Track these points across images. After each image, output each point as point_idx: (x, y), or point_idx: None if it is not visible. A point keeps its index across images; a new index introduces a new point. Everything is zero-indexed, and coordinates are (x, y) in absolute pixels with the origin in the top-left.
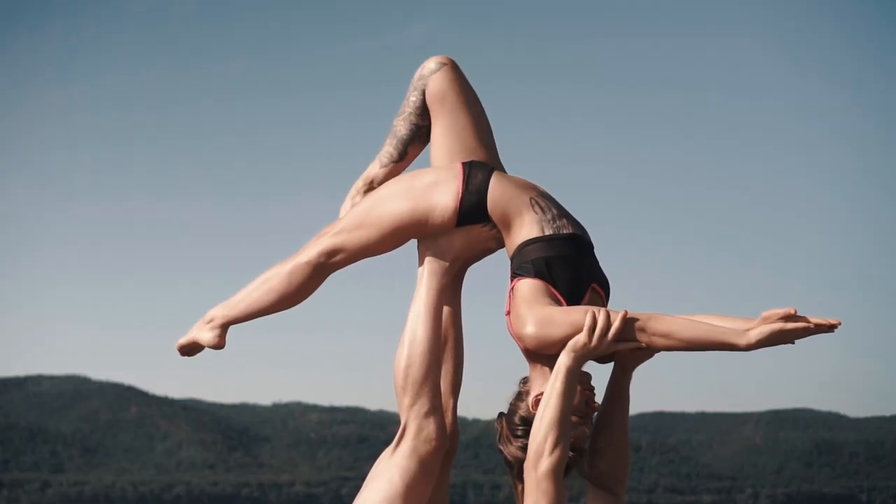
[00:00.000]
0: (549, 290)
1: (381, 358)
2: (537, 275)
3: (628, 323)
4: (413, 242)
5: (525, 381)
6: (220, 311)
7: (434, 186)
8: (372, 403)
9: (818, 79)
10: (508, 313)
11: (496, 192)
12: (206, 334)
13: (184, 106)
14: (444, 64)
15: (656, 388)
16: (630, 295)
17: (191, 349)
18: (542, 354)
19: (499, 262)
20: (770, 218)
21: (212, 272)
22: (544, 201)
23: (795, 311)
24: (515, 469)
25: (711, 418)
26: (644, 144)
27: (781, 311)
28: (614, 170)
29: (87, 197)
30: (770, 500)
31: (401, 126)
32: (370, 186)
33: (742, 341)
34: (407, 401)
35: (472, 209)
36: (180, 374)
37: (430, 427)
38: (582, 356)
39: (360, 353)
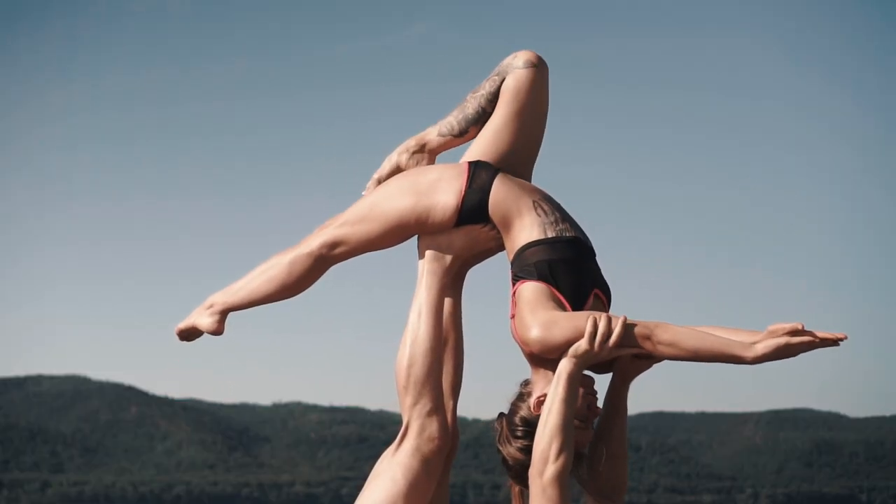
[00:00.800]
0: (552, 294)
1: (381, 358)
2: (540, 278)
3: (634, 330)
4: (413, 242)
5: (526, 382)
6: (221, 298)
7: (438, 183)
8: (372, 403)
9: (818, 79)
10: (513, 317)
11: (499, 192)
12: (205, 319)
13: (184, 106)
14: (534, 65)
15: (656, 388)
16: (630, 295)
17: (189, 334)
18: (545, 358)
19: (499, 262)
20: (770, 218)
21: (212, 272)
22: (547, 205)
23: (802, 327)
24: (513, 469)
25: (711, 418)
26: (644, 144)
27: (788, 325)
28: (614, 170)
29: (87, 197)
30: (770, 500)
31: (471, 104)
32: (421, 149)
33: (748, 354)
34: (409, 400)
35: (474, 208)
36: (180, 374)
37: (433, 426)
38: (583, 362)
39: (360, 353)
